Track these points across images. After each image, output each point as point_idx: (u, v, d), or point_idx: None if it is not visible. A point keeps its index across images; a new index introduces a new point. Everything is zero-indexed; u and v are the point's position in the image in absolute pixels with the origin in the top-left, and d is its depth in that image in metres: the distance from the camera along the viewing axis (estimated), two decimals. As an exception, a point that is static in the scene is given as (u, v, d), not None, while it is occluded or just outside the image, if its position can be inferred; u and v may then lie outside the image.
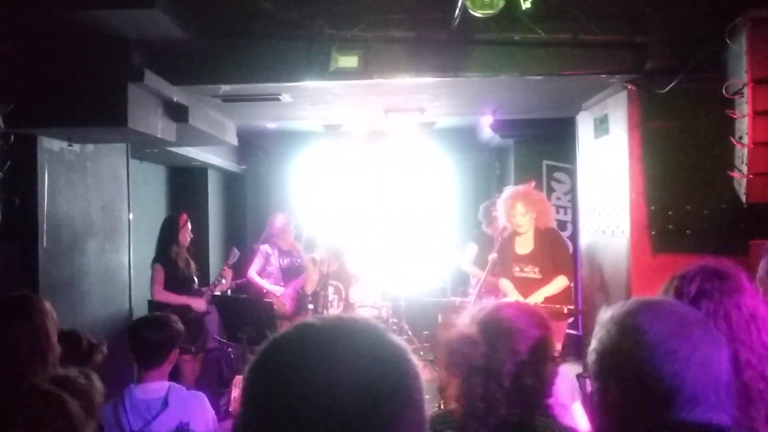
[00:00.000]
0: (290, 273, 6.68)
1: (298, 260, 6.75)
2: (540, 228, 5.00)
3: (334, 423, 0.80)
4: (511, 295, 4.91)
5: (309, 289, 6.60)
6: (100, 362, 2.97)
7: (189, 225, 5.64)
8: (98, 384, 2.15)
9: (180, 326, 2.97)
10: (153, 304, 5.54)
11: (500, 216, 5.21)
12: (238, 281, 7.07)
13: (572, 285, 5.43)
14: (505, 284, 5.06)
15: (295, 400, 0.82)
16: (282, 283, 6.62)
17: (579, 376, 1.40)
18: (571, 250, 6.22)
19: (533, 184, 5.54)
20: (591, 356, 1.34)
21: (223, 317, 6.11)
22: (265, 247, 6.77)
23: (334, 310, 6.39)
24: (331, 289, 6.89)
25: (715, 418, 1.19)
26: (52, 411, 1.87)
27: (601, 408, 1.31)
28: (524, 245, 4.97)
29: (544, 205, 5.14)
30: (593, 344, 1.34)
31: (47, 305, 2.63)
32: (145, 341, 2.81)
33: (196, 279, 5.80)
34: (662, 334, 1.24)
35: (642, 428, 1.23)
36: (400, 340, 0.92)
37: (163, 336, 2.83)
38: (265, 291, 6.58)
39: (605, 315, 1.34)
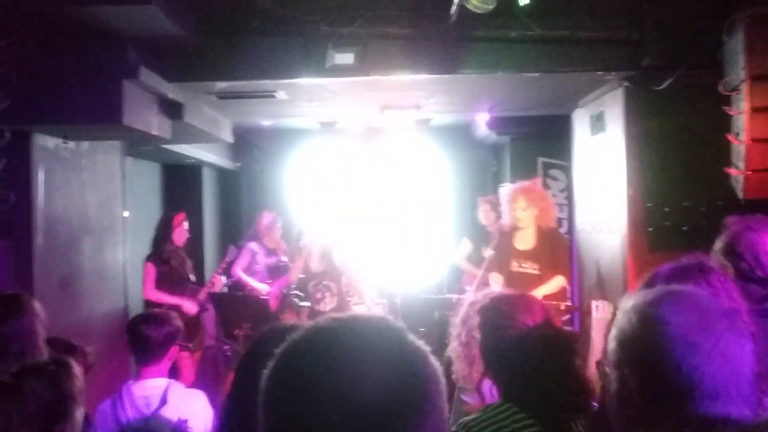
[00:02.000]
0: (276, 272, 6.69)
1: (284, 259, 6.74)
2: (543, 227, 5.00)
3: (356, 427, 0.80)
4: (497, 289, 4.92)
5: (293, 278, 6.46)
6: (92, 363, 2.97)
7: (185, 224, 5.60)
8: (76, 370, 2.10)
9: (179, 323, 2.96)
10: (146, 303, 5.53)
11: (502, 209, 5.20)
12: (234, 280, 7.06)
13: (568, 286, 5.48)
14: (494, 279, 5.06)
15: (316, 405, 0.82)
16: (267, 282, 6.62)
17: (598, 364, 1.38)
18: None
19: (538, 181, 5.55)
20: (611, 344, 1.32)
21: (219, 314, 6.11)
22: (251, 245, 6.77)
23: (328, 303, 6.30)
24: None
25: (734, 411, 1.17)
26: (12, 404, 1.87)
27: (619, 397, 1.29)
28: (524, 241, 4.98)
29: (547, 203, 5.15)
30: (613, 332, 1.32)
31: (37, 306, 2.62)
32: (143, 338, 2.80)
33: (192, 278, 5.78)
34: (684, 325, 1.22)
35: (659, 420, 1.21)
36: (419, 342, 0.90)
37: (163, 333, 2.82)
38: (249, 289, 6.57)
39: (627, 303, 1.31)
